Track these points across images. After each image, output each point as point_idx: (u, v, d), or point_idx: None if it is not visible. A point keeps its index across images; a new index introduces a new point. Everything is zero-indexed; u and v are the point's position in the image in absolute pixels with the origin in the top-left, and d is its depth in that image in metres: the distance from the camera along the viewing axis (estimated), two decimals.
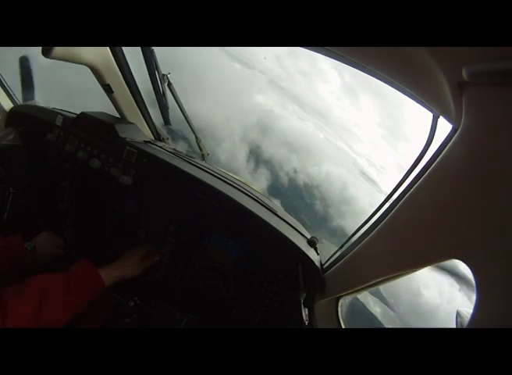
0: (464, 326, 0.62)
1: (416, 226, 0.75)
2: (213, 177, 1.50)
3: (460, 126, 0.59)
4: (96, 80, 1.49)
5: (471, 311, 0.53)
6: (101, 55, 1.36)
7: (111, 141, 1.51)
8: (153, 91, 1.71)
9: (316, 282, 1.26)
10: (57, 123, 1.64)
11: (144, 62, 1.59)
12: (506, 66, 0.40)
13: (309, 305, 1.29)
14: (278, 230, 1.30)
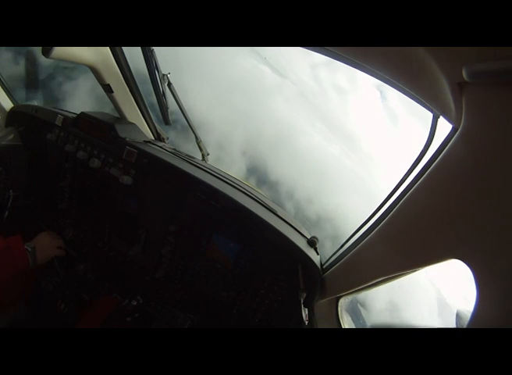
0: (464, 327, 0.62)
1: (416, 226, 0.75)
2: (213, 177, 1.50)
3: (460, 126, 0.59)
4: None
5: (470, 311, 0.53)
6: (101, 55, 1.36)
7: (111, 141, 1.51)
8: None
9: (316, 282, 1.26)
10: (57, 123, 1.64)
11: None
12: (506, 66, 0.40)
13: (309, 305, 1.28)
14: (278, 230, 1.30)
